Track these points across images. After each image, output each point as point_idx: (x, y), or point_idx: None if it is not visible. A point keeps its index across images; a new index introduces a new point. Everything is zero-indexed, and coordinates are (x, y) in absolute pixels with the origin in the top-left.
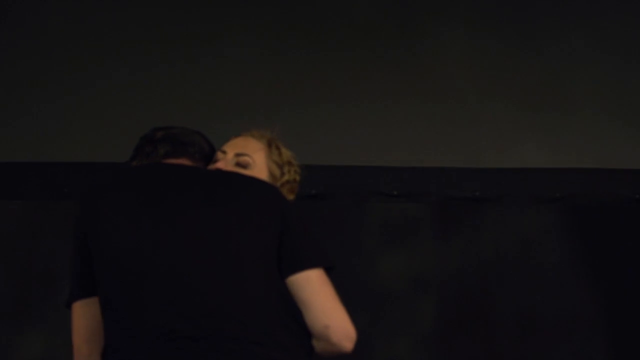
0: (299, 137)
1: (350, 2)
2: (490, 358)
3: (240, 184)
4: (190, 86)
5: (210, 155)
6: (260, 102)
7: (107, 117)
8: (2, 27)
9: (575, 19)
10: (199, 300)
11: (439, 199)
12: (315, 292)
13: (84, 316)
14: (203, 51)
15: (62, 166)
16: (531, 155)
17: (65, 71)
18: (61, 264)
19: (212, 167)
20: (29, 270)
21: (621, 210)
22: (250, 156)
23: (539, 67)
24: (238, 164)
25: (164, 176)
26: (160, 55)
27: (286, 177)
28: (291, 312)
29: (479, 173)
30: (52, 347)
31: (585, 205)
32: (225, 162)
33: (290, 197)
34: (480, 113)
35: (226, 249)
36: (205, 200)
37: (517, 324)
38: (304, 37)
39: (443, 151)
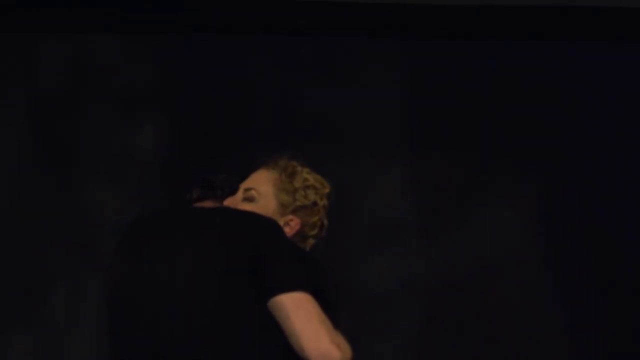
0: None
1: None
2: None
3: (218, 218)
4: None
5: None
6: None
7: None
8: None
9: None
10: (163, 332)
11: (418, 36)
12: (288, 316)
13: None
14: None
15: None
16: None
17: None
18: None
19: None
20: None
21: None
22: (256, 189)
23: None
24: (245, 199)
25: (165, 217)
26: None
27: (298, 203)
28: (271, 335)
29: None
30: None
31: None
32: (232, 199)
33: (314, 219)
34: None
35: (192, 281)
36: (183, 236)
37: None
38: None
39: None
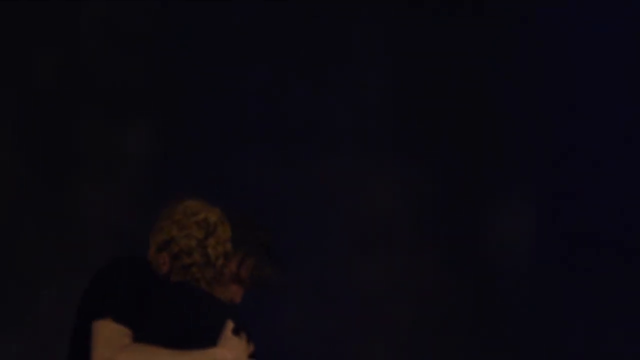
0: None
1: None
2: None
3: None
4: None
5: None
6: None
7: None
8: None
9: None
10: None
11: None
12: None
13: None
14: None
15: None
16: None
17: None
18: None
19: None
20: None
21: None
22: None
23: None
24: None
25: None
26: None
27: (158, 240)
28: None
29: None
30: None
31: None
32: None
33: (175, 250)
34: None
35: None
36: None
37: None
38: None
39: None
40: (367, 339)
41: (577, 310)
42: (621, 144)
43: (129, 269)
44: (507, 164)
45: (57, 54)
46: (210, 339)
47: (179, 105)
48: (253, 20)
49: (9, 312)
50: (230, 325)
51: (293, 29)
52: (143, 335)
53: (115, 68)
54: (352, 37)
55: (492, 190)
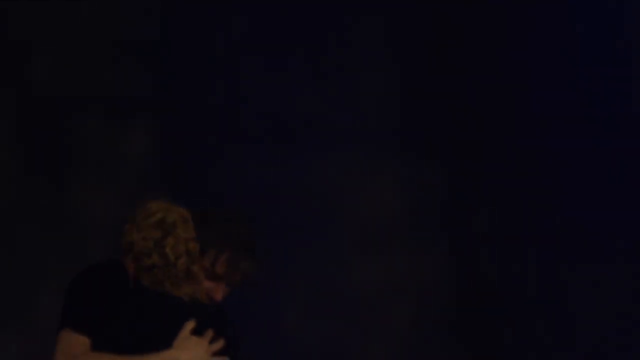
0: None
1: None
2: None
3: None
4: None
5: None
6: None
7: None
8: None
9: None
10: None
11: None
12: None
13: None
14: None
15: None
16: None
17: None
18: None
19: None
20: None
21: None
22: None
23: None
24: None
25: None
26: None
27: (123, 244)
28: None
29: None
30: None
31: None
32: None
33: (136, 251)
34: None
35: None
36: None
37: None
38: None
39: None
40: (367, 339)
41: (577, 310)
42: (621, 143)
43: (96, 277)
44: (507, 163)
45: (56, 53)
46: (168, 341)
47: (178, 106)
48: (252, 20)
49: (9, 312)
50: (189, 325)
51: (293, 28)
52: (101, 342)
53: (115, 68)
54: (352, 36)
55: (491, 189)
